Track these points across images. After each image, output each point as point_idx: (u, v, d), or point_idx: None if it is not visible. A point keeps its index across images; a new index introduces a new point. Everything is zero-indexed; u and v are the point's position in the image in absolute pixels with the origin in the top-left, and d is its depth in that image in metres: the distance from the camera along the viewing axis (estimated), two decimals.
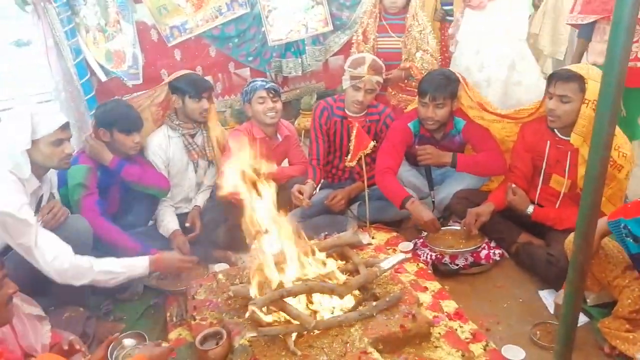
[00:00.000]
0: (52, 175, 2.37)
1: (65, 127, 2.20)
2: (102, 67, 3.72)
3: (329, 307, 2.01)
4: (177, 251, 2.60)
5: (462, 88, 2.64)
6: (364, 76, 2.70)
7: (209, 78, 4.20)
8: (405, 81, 3.13)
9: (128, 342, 1.99)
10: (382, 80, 2.82)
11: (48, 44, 3.53)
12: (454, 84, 2.60)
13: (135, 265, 2.27)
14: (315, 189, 2.91)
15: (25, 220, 1.99)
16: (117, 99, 3.00)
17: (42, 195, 2.25)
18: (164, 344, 1.90)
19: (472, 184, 2.77)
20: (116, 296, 2.55)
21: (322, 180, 2.98)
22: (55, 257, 2.06)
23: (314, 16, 4.12)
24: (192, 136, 2.89)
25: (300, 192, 2.66)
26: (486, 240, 2.51)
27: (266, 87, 2.79)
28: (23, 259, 2.04)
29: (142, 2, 3.72)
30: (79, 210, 2.42)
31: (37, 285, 2.12)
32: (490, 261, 2.48)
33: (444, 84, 2.56)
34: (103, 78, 3.73)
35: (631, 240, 1.73)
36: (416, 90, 2.71)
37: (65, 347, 1.92)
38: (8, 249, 2.14)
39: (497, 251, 2.49)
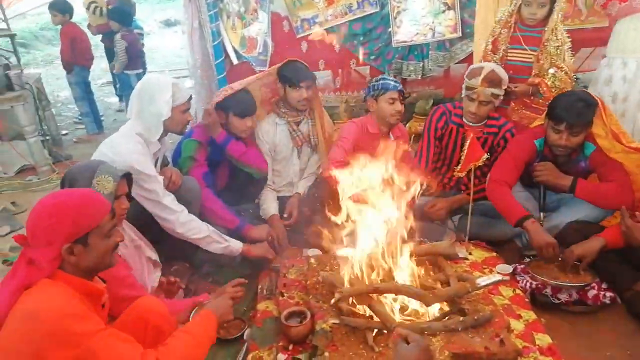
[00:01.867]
0: (167, 138, 2.64)
1: (191, 98, 2.50)
2: (235, 51, 4.04)
3: (411, 312, 1.99)
4: (274, 234, 2.78)
5: (598, 113, 2.41)
6: (477, 88, 2.61)
7: (328, 72, 4.36)
8: (532, 97, 2.94)
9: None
10: (500, 93, 2.69)
11: (194, 25, 3.91)
12: (592, 109, 2.37)
13: (234, 242, 2.56)
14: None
15: (153, 176, 2.30)
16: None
17: (159, 157, 2.54)
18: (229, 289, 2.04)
19: (590, 216, 2.52)
20: (217, 261, 2.78)
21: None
22: (183, 210, 2.38)
23: (443, 21, 4.05)
24: (297, 124, 3.01)
25: None
26: (597, 279, 2.29)
27: (398, 88, 2.81)
28: (140, 208, 2.31)
29: None
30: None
31: (151, 235, 2.40)
32: (599, 303, 2.26)
33: (584, 112, 2.35)
34: (235, 61, 4.05)
35: None
36: (542, 108, 2.54)
37: (172, 280, 2.17)
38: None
39: (609, 294, 2.27)
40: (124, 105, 6.27)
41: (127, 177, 1.88)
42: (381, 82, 2.84)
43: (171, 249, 2.57)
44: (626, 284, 2.28)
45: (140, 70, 5.74)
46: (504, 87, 2.72)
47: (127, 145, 2.29)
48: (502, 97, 2.75)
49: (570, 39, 2.92)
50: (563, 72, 2.83)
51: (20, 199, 4.09)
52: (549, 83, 2.82)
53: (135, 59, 5.56)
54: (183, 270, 2.58)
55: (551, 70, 2.83)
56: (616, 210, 2.53)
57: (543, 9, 2.84)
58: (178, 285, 2.27)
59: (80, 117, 6.16)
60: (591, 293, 2.27)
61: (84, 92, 5.71)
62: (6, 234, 3.50)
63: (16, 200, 4.04)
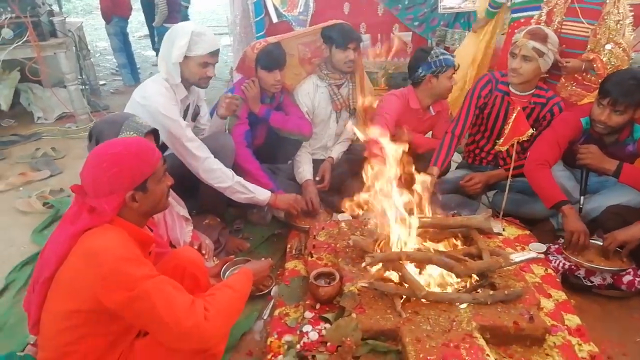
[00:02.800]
0: (200, 90, 2.65)
1: (215, 53, 2.42)
2: (276, 9, 3.97)
3: (441, 282, 1.99)
4: (307, 199, 2.76)
5: None
6: (517, 41, 2.50)
7: (368, 37, 4.26)
8: (584, 74, 2.80)
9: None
10: (544, 50, 2.53)
11: None
12: None
13: (260, 193, 2.55)
14: (443, 171, 2.80)
15: (176, 120, 2.33)
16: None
17: (189, 105, 2.56)
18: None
19: (632, 202, 2.43)
20: (248, 217, 2.83)
21: (452, 157, 2.85)
22: (207, 157, 2.41)
23: None
24: (339, 87, 2.96)
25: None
26: (634, 265, 2.23)
27: (454, 64, 2.75)
28: (175, 163, 2.35)
29: None
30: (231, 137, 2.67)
31: (185, 190, 2.43)
32: (633, 289, 2.21)
33: (632, 90, 2.24)
34: (275, 19, 3.99)
35: None
36: (594, 86, 2.42)
37: (195, 247, 2.22)
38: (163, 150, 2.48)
39: None
40: None
41: (154, 132, 1.90)
42: (442, 57, 2.74)
43: (203, 203, 2.63)
44: None
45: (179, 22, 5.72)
46: (552, 48, 2.56)
47: (154, 89, 2.34)
48: (549, 61, 2.59)
49: (632, 14, 2.74)
50: (621, 49, 2.67)
51: (58, 144, 4.22)
52: (604, 59, 2.67)
53: (174, 12, 5.53)
54: (214, 224, 2.63)
55: (608, 46, 2.67)
56: None
57: None
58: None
59: (117, 69, 6.24)
60: (626, 278, 2.22)
61: (122, 43, 5.76)
62: (47, 178, 3.63)
63: (55, 146, 4.16)
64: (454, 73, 2.76)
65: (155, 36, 5.98)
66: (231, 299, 1.50)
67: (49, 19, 4.44)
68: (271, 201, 2.57)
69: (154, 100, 2.31)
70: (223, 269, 2.11)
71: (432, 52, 2.79)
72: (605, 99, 2.29)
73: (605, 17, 2.69)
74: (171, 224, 2.26)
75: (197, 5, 11.08)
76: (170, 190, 2.26)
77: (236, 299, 1.54)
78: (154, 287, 1.31)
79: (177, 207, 2.35)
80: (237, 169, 2.61)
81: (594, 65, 2.72)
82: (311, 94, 2.94)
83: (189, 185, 2.46)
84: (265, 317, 2.13)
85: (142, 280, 1.31)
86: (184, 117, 2.49)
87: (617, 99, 2.25)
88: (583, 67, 2.76)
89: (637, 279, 2.22)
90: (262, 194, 2.55)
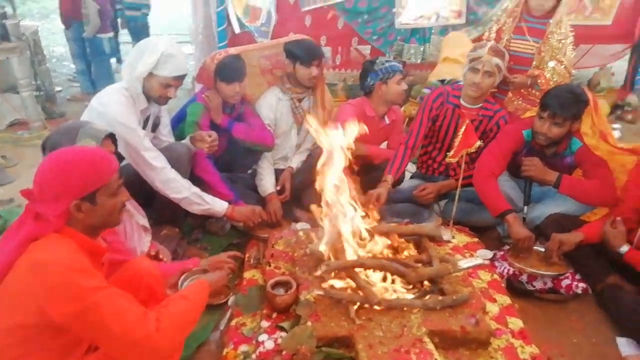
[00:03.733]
0: None
1: (181, 77, 2.43)
2: (238, 19, 4.01)
3: (393, 288, 2.07)
4: (271, 214, 2.80)
5: (588, 111, 2.48)
6: (483, 56, 2.64)
7: (329, 49, 4.35)
8: (529, 89, 2.98)
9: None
10: (503, 66, 2.71)
11: None
12: (580, 105, 2.44)
13: (217, 204, 2.55)
14: (396, 181, 2.90)
15: (133, 129, 2.32)
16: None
17: (149, 115, 2.56)
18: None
19: (571, 210, 2.61)
20: (206, 227, 2.83)
21: (406, 167, 2.95)
22: (164, 167, 2.40)
23: (449, 5, 4.05)
24: (300, 100, 3.02)
25: (377, 199, 2.63)
26: (571, 270, 2.39)
27: (402, 69, 2.87)
28: (132, 173, 2.34)
29: None
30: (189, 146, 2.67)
31: (142, 199, 2.42)
32: (571, 292, 2.36)
33: (569, 104, 2.41)
34: (237, 30, 4.03)
35: None
36: (538, 101, 2.59)
37: (152, 254, 2.21)
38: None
39: (581, 284, 2.36)
40: (120, 67, 6.21)
41: (112, 137, 1.88)
42: (388, 64, 2.87)
43: (161, 213, 2.61)
44: (599, 277, 2.37)
45: (112, 34, 5.57)
46: (504, 67, 2.74)
47: (113, 97, 2.33)
48: (501, 76, 2.76)
49: (573, 33, 2.95)
50: (562, 67, 2.88)
51: (10, 152, 4.08)
52: (547, 76, 2.86)
53: (106, 21, 5.38)
54: (172, 234, 2.63)
55: (551, 64, 2.87)
56: (597, 206, 2.63)
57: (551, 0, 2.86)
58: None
59: (75, 75, 6.08)
60: (565, 282, 2.36)
61: (81, 49, 5.62)
62: None
63: (6, 154, 4.03)
64: (402, 78, 2.87)
65: (87, 47, 5.57)
66: (185, 309, 1.50)
67: (1, 22, 4.30)
68: (228, 213, 2.58)
69: (112, 108, 2.30)
70: (181, 279, 2.10)
71: (377, 61, 2.92)
72: (545, 111, 2.45)
73: (549, 36, 2.89)
74: (130, 232, 2.24)
75: (159, 13, 10.93)
76: (130, 199, 2.27)
77: (190, 309, 1.53)
78: (104, 298, 1.29)
79: (137, 216, 2.33)
80: (197, 179, 2.61)
81: (539, 81, 2.91)
82: (273, 106, 2.98)
83: (146, 195, 2.46)
84: (222, 328, 2.13)
85: (91, 291, 1.28)
86: (144, 128, 2.48)
87: (556, 112, 2.42)
88: (529, 82, 2.95)
89: (575, 283, 2.37)
90: (219, 206, 2.55)
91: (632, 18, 4.45)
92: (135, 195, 2.33)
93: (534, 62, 2.98)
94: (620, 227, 2.29)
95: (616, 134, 4.30)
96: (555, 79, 2.91)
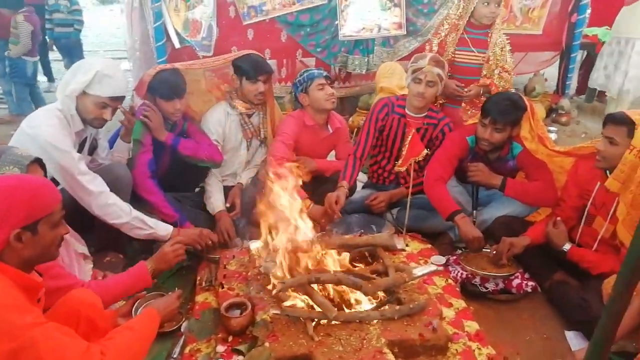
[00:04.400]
0: None
1: (119, 99, 2.33)
2: (178, 34, 3.91)
3: (350, 301, 2.04)
4: (223, 232, 2.69)
5: (526, 117, 2.59)
6: (423, 67, 2.69)
7: (274, 62, 4.33)
8: (481, 97, 3.09)
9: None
10: (444, 75, 2.78)
11: (134, 4, 3.75)
12: (519, 112, 2.55)
13: (161, 228, 2.44)
14: (351, 187, 2.90)
15: (67, 152, 2.19)
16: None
17: (85, 137, 2.43)
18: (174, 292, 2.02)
19: (517, 212, 2.71)
20: (153, 251, 2.69)
21: (357, 175, 2.96)
22: (102, 192, 2.26)
23: (389, 17, 4.15)
24: (249, 116, 2.97)
25: (337, 202, 2.65)
26: (520, 269, 2.46)
27: (324, 75, 2.87)
28: (68, 198, 2.18)
29: None
30: (132, 167, 2.57)
31: (81, 226, 2.29)
32: (521, 291, 2.43)
33: (508, 110, 2.52)
34: (177, 45, 3.91)
35: None
36: None
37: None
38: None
39: (530, 283, 2.45)
40: (54, 86, 5.90)
41: (40, 162, 1.76)
42: (305, 74, 2.90)
43: (102, 239, 2.47)
44: (546, 275, 2.46)
45: (37, 58, 5.36)
46: (445, 76, 2.81)
47: (45, 119, 2.20)
48: (443, 85, 2.82)
49: (509, 41, 3.10)
50: (507, 73, 3.02)
51: None
52: (497, 83, 3.00)
53: (35, 44, 5.16)
54: (116, 261, 2.48)
55: (496, 72, 3.00)
56: (540, 207, 2.74)
57: (499, 7, 2.98)
58: None
59: (2, 96, 5.72)
60: (515, 282, 2.43)
61: (11, 68, 5.29)
62: None
63: None
64: (325, 82, 2.86)
65: (7, 67, 5.30)
66: (132, 340, 1.43)
67: None
68: (173, 237, 2.44)
69: (43, 130, 2.15)
70: (134, 306, 2.00)
71: (298, 74, 2.95)
72: (486, 118, 2.54)
73: (493, 47, 3.02)
74: (68, 262, 2.09)
75: (94, 28, 10.54)
76: (68, 232, 2.12)
77: (138, 340, 1.46)
78: (41, 335, 1.22)
79: (75, 244, 2.19)
80: (140, 201, 2.49)
81: (490, 89, 3.03)
82: (222, 121, 2.90)
83: (85, 221, 2.30)
84: (175, 356, 2.02)
85: (27, 328, 1.21)
86: (80, 151, 2.34)
87: (496, 118, 2.51)
88: (481, 91, 3.07)
89: (524, 282, 2.45)
90: (162, 229, 2.43)
91: (559, 28, 4.75)
92: (73, 221, 2.19)
93: (484, 71, 3.10)
94: (561, 227, 2.40)
95: (553, 137, 4.56)
96: (502, 85, 3.05)
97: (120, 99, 2.34)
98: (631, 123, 2.10)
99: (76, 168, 2.20)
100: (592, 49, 5.18)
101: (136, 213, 2.35)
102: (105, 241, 2.47)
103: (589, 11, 4.73)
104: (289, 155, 2.79)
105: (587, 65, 5.46)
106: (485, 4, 2.98)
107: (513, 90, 3.07)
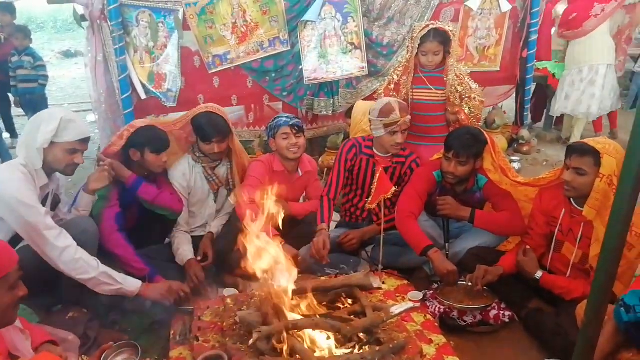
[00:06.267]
0: (60, 176, 2.49)
1: (85, 140, 2.35)
2: (143, 86, 3.93)
3: (329, 346, 2.00)
4: (193, 279, 2.64)
5: (488, 150, 2.68)
6: (399, 121, 2.75)
7: (242, 108, 4.39)
8: (450, 128, 3.19)
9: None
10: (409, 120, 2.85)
11: (98, 58, 3.76)
12: (480, 145, 2.64)
13: (129, 284, 2.36)
14: (330, 221, 2.91)
15: (34, 207, 2.14)
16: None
17: (48, 193, 2.38)
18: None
19: (488, 242, 2.76)
20: (123, 307, 2.59)
21: (332, 215, 2.97)
22: (68, 247, 2.19)
23: (351, 60, 4.29)
24: (213, 168, 2.96)
25: (324, 247, 2.64)
26: (497, 300, 2.48)
27: (290, 123, 2.86)
28: (31, 256, 2.11)
29: (190, 30, 3.94)
30: (98, 222, 2.51)
31: (44, 282, 2.21)
32: (499, 322, 2.44)
33: (469, 144, 2.60)
34: (143, 96, 3.93)
35: (623, 310, 1.72)
36: None
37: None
38: (16, 243, 2.22)
39: (507, 313, 2.46)
40: (16, 142, 5.77)
41: None
42: (275, 120, 2.93)
43: (67, 295, 2.37)
44: (521, 304, 2.49)
45: None
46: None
47: (8, 175, 2.16)
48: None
49: (467, 69, 3.26)
50: (474, 100, 3.15)
51: None
52: (466, 111, 3.11)
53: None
54: (80, 316, 2.36)
55: (464, 105, 3.14)
56: (509, 236, 2.80)
57: (437, 56, 3.13)
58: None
59: None
60: (492, 313, 2.44)
61: None
62: None
63: None
64: (291, 132, 2.85)
65: None
66: None
67: None
68: (142, 292, 2.38)
69: (9, 186, 2.10)
70: (102, 358, 1.92)
71: (273, 118, 2.98)
72: (450, 152, 2.62)
73: (451, 86, 3.15)
74: (8, 336, 1.94)
75: (59, 82, 10.47)
76: (26, 293, 2.02)
77: None
78: None
79: None
80: (108, 256, 2.42)
81: (460, 118, 3.14)
82: (187, 174, 2.89)
83: (49, 277, 2.22)
84: None
85: None
86: (43, 206, 2.28)
87: (459, 151, 2.59)
88: (452, 120, 3.18)
89: (502, 312, 2.46)
90: (130, 285, 2.35)
91: (512, 64, 5.02)
92: (35, 278, 2.09)
93: (449, 108, 3.21)
94: (531, 255, 2.45)
95: (516, 166, 4.72)
96: (473, 112, 3.17)
97: (87, 140, 2.35)
98: (596, 152, 2.19)
99: (42, 223, 2.14)
100: (544, 80, 5.49)
101: (104, 268, 2.28)
102: (71, 297, 2.37)
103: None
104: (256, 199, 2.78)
105: (539, 96, 5.77)
106: (423, 54, 3.14)
107: (482, 117, 3.20)
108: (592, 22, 4.81)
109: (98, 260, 2.28)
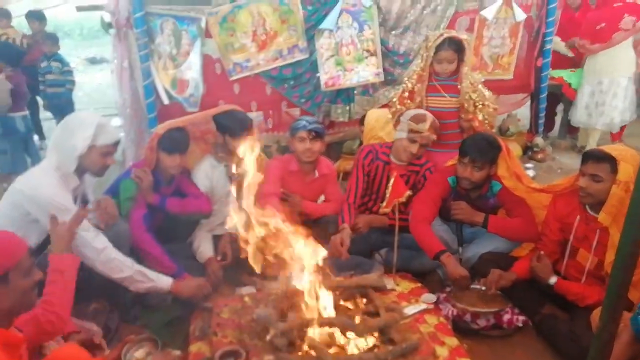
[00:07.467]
0: (89, 177, 2.58)
1: (117, 143, 2.47)
2: (166, 91, 4.05)
3: (344, 344, 2.06)
4: (211, 276, 2.73)
5: (502, 156, 2.72)
6: (424, 132, 2.83)
7: (260, 114, 4.48)
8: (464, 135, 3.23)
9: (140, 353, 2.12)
10: (435, 139, 2.94)
11: (123, 64, 3.89)
12: (495, 150, 2.68)
13: (162, 281, 2.46)
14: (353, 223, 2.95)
15: (70, 209, 2.23)
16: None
17: (77, 195, 2.47)
18: (174, 353, 2.01)
19: (501, 247, 2.79)
20: (145, 303, 2.69)
21: (353, 218, 3.00)
22: (105, 247, 2.29)
23: (367, 67, 4.36)
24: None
25: (341, 244, 2.71)
26: (510, 304, 2.50)
27: (308, 128, 2.92)
28: None
29: (211, 38, 4.06)
30: (128, 222, 2.60)
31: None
32: (512, 326, 2.46)
33: (485, 150, 2.65)
34: (166, 101, 4.05)
35: None
36: None
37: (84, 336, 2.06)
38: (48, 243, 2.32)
39: (521, 317, 2.47)
40: (44, 144, 5.97)
41: None
42: (296, 122, 3.01)
43: (94, 289, 2.45)
44: (534, 309, 2.50)
45: (26, 112, 5.44)
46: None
47: (44, 179, 2.25)
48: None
49: (480, 77, 3.31)
50: (487, 108, 3.19)
51: None
52: (480, 118, 3.16)
53: (20, 100, 5.27)
54: (101, 308, 2.45)
55: (478, 113, 3.18)
56: (523, 242, 2.82)
57: (452, 64, 3.19)
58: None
59: None
60: (506, 317, 2.46)
61: (2, 126, 5.36)
62: None
63: None
64: (307, 137, 2.91)
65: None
66: None
67: None
68: (173, 289, 2.48)
69: (45, 190, 2.20)
70: (124, 351, 2.00)
71: (297, 119, 3.05)
72: (465, 157, 2.66)
73: (465, 94, 3.19)
74: None
75: (85, 87, 10.74)
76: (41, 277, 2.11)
77: None
78: None
79: None
80: (139, 254, 2.52)
81: (474, 125, 3.19)
82: (209, 174, 2.98)
83: (78, 278, 2.30)
84: None
85: None
86: None
87: (475, 157, 2.63)
88: (465, 127, 3.22)
89: (515, 316, 2.47)
90: (163, 282, 2.46)
91: (527, 72, 5.04)
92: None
93: (462, 115, 3.26)
94: (544, 261, 2.46)
95: (530, 173, 4.72)
96: (487, 120, 3.22)
97: (118, 142, 2.48)
98: (612, 159, 2.21)
99: (81, 225, 2.23)
100: (559, 89, 5.47)
101: (138, 267, 2.39)
102: (98, 292, 2.46)
103: None
104: (277, 192, 2.85)
105: (550, 104, 5.75)
106: (438, 62, 3.20)
107: (496, 124, 3.22)
108: (621, 35, 4.71)
109: (132, 260, 2.39)
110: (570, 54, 5.34)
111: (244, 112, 2.98)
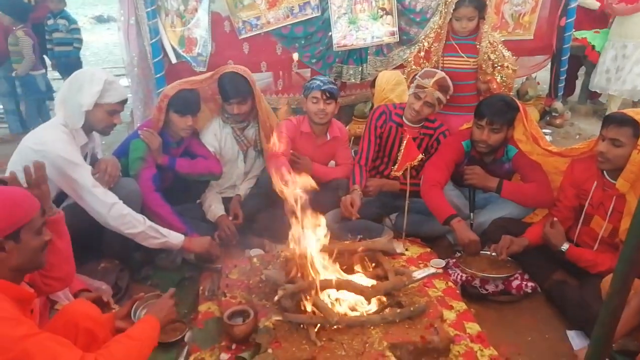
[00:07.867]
0: (97, 135, 2.58)
1: (124, 102, 2.42)
2: (174, 50, 3.96)
3: (351, 305, 2.06)
4: (225, 230, 2.77)
5: (519, 118, 2.63)
6: (427, 88, 2.75)
7: (270, 74, 4.39)
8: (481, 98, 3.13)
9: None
10: (444, 101, 2.84)
11: (130, 21, 3.80)
12: (513, 112, 2.60)
13: (173, 237, 2.47)
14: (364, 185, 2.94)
15: (80, 165, 2.23)
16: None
17: (87, 152, 2.47)
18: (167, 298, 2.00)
19: (514, 214, 2.74)
20: (156, 263, 2.72)
21: (365, 182, 2.98)
22: (115, 203, 2.29)
23: (382, 26, 4.21)
24: (242, 129, 3.01)
25: (352, 204, 2.69)
26: (520, 270, 2.48)
27: (322, 88, 2.83)
28: (74, 212, 2.20)
29: None
30: (137, 181, 2.59)
31: (85, 240, 2.26)
32: (521, 292, 2.45)
33: (503, 110, 2.56)
34: (174, 60, 3.97)
35: None
36: None
37: (93, 295, 2.09)
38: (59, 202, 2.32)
39: (530, 284, 2.46)
40: (53, 104, 5.95)
41: None
42: (311, 82, 2.92)
43: (106, 248, 2.49)
44: (544, 275, 2.48)
45: (44, 70, 5.43)
46: (444, 100, 2.86)
47: (52, 134, 2.23)
48: (440, 107, 2.89)
49: (500, 36, 3.18)
50: (506, 69, 3.08)
51: None
52: (498, 80, 3.05)
53: (37, 58, 5.25)
54: (111, 267, 2.49)
55: (497, 74, 3.08)
56: (537, 208, 2.76)
57: (472, 22, 3.04)
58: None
59: (2, 115, 5.76)
60: (515, 283, 2.45)
61: (12, 87, 5.34)
62: None
63: None
64: (320, 97, 2.82)
65: (18, 87, 5.38)
66: (129, 349, 1.44)
67: None
68: (185, 245, 2.50)
69: (55, 146, 2.19)
70: (134, 308, 2.03)
71: (311, 78, 2.98)
72: (482, 119, 2.58)
73: (484, 54, 3.07)
74: None
75: (92, 46, 10.64)
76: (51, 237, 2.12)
77: (136, 348, 1.47)
78: (35, 345, 1.23)
79: None
80: (148, 213, 2.51)
81: (492, 86, 3.08)
82: (217, 134, 2.96)
83: (89, 236, 2.33)
84: None
85: (20, 340, 1.22)
86: None
87: (492, 119, 2.55)
88: (483, 89, 3.13)
89: (524, 282, 2.46)
90: (175, 238, 2.47)
91: (549, 33, 4.83)
92: (77, 237, 2.21)
93: (480, 77, 3.14)
94: (558, 228, 2.42)
95: (548, 139, 4.59)
96: (506, 81, 3.11)
97: (125, 102, 2.43)
98: (635, 123, 2.12)
99: (90, 181, 2.24)
100: (582, 51, 5.25)
101: (150, 222, 2.40)
102: (110, 253, 2.49)
103: None
104: (287, 153, 2.81)
105: (571, 67, 5.54)
106: (457, 19, 3.06)
107: (514, 88, 3.12)
108: None
109: (144, 216, 2.39)
110: (596, 4, 5.10)
111: (242, 76, 2.83)
